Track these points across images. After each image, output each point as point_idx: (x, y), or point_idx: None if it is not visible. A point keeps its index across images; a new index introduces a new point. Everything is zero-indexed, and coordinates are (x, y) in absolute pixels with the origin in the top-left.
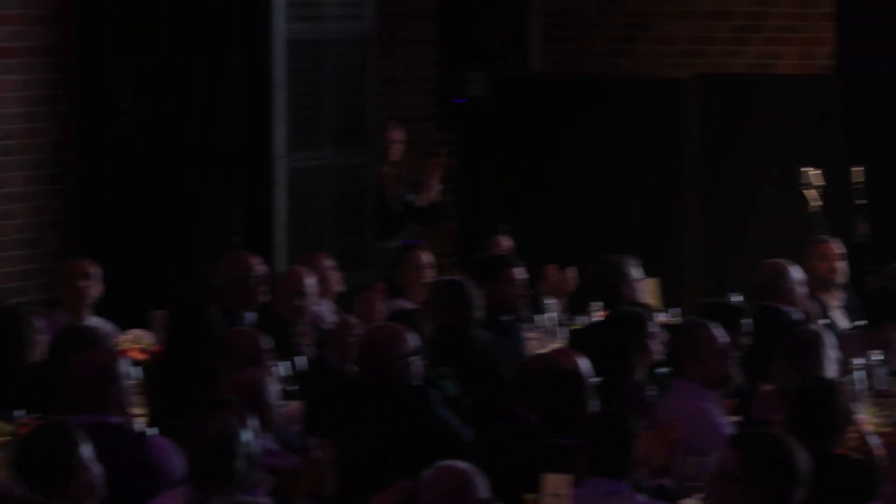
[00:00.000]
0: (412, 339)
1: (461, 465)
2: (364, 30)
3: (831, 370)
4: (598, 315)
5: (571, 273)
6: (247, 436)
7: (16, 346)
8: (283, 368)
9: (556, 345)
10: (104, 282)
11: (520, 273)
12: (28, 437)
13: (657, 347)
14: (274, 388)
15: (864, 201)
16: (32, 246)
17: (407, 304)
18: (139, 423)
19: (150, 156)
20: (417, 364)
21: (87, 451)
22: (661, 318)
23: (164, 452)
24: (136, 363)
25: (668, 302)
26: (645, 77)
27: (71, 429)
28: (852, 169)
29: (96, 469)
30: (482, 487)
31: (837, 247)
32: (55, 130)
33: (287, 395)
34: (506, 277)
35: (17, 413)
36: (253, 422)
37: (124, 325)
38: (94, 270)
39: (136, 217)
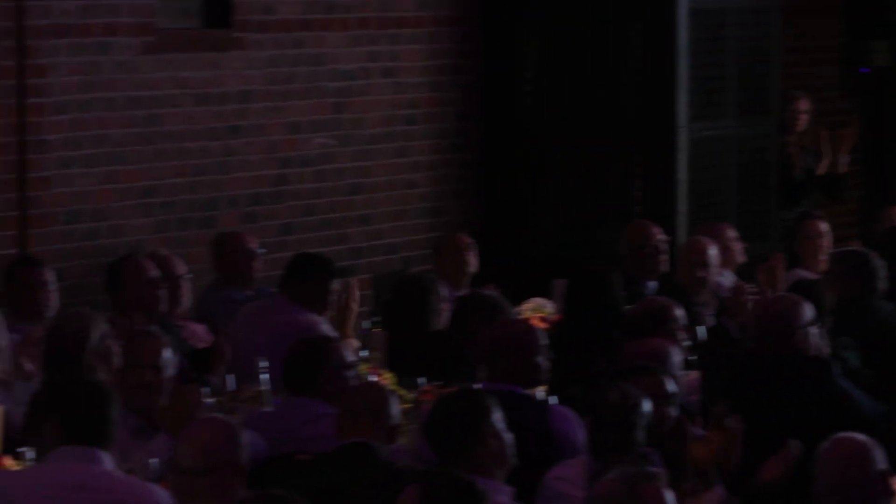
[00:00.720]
0: (809, 310)
1: (859, 436)
2: None
3: None
4: None
5: None
6: (647, 406)
7: (421, 313)
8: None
9: None
10: (504, 251)
11: None
12: (440, 403)
13: None
14: (677, 359)
15: None
16: (435, 215)
17: (806, 274)
18: (539, 392)
19: (553, 125)
20: (814, 334)
21: (498, 419)
22: None
23: (566, 422)
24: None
25: None
26: None
27: (483, 396)
28: None
29: (507, 438)
30: (880, 459)
31: None
32: (460, 100)
33: (687, 365)
34: None
35: (419, 380)
36: (672, 388)
37: (526, 294)
38: (473, 244)
39: (538, 186)
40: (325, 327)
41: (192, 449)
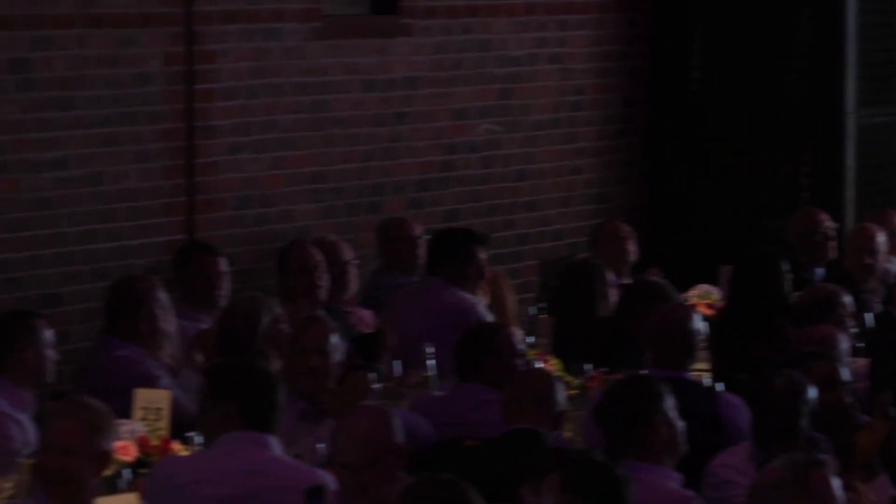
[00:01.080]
0: None
1: None
2: None
3: None
4: None
5: None
6: (812, 393)
7: (587, 300)
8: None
9: None
10: (670, 237)
11: None
12: (612, 389)
13: None
14: (845, 346)
15: None
16: (601, 201)
17: None
18: (705, 379)
19: (719, 111)
20: None
21: (670, 406)
22: None
23: (733, 409)
24: (703, 318)
25: None
26: None
27: (656, 383)
28: None
29: (679, 426)
30: None
31: None
32: (626, 86)
33: (854, 352)
34: None
35: (585, 367)
36: (845, 374)
37: (692, 280)
38: (632, 232)
39: (705, 172)
40: (481, 307)
41: (351, 444)
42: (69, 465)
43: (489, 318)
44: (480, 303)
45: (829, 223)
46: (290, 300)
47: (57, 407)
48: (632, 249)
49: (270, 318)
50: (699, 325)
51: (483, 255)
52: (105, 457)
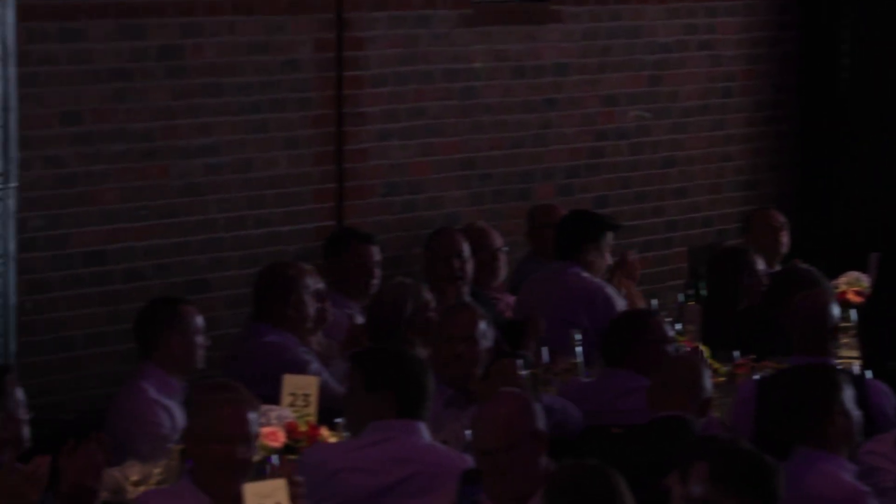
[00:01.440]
0: None
1: None
2: None
3: None
4: None
5: None
6: None
7: (736, 287)
8: None
9: None
10: (820, 223)
11: None
12: (791, 377)
13: None
14: None
15: None
16: (751, 188)
17: None
18: (854, 366)
19: (870, 97)
20: None
21: (848, 397)
22: None
23: (882, 396)
24: (851, 305)
25: None
26: None
27: (835, 373)
28: None
29: (855, 416)
30: None
31: None
32: (776, 72)
33: None
34: None
35: (734, 354)
36: None
37: (842, 267)
38: (786, 223)
39: (855, 158)
40: (610, 290)
41: (490, 429)
42: (234, 452)
43: (619, 301)
44: (608, 286)
45: None
46: (438, 287)
47: (212, 395)
48: (785, 240)
49: (417, 304)
50: (837, 311)
51: (611, 240)
52: (255, 440)
